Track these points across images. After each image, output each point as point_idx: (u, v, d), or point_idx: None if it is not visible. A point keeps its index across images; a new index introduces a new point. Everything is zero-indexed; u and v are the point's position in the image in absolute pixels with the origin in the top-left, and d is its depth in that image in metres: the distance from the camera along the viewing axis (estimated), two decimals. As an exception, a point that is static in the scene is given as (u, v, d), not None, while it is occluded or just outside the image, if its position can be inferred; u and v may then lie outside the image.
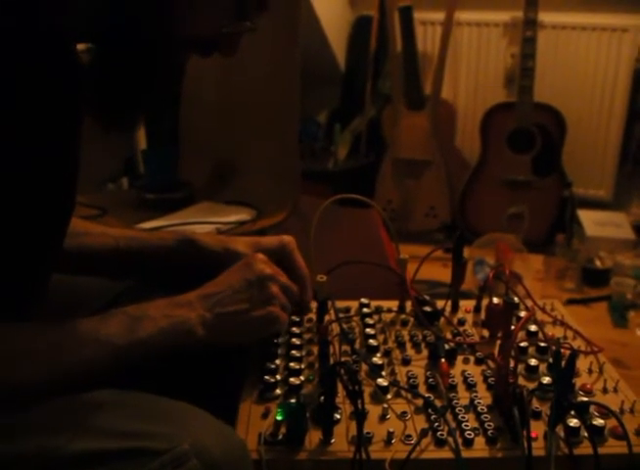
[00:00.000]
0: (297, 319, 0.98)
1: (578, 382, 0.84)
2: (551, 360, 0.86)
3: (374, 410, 0.77)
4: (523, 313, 0.99)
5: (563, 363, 0.72)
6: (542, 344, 0.90)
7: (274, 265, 0.90)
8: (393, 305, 1.03)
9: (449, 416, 0.76)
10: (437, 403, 0.78)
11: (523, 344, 0.90)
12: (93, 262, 0.97)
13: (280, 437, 0.72)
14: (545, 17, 2.78)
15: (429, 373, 0.85)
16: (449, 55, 2.95)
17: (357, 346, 0.92)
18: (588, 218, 2.76)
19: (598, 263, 2.51)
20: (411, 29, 2.85)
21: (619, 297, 2.30)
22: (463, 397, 0.80)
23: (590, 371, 0.87)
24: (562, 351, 0.79)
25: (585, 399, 0.80)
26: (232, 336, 0.83)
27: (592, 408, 0.77)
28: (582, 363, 0.88)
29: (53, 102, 0.67)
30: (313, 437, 0.72)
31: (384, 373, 0.84)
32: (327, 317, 0.96)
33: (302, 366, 0.85)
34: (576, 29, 2.86)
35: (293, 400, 0.76)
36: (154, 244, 1.00)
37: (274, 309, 0.84)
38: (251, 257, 0.89)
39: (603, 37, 2.82)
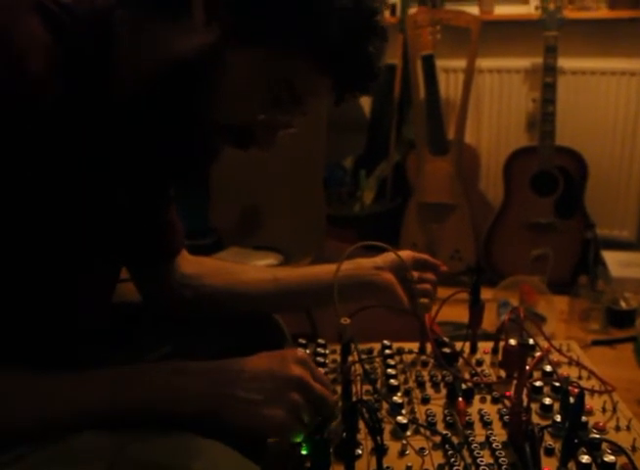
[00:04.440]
0: (322, 360, 1.02)
1: (592, 420, 0.87)
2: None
3: (394, 446, 0.81)
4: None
5: (572, 401, 0.76)
6: (556, 383, 0.94)
7: (313, 368, 0.83)
8: (414, 346, 1.07)
9: (465, 452, 0.80)
10: (455, 440, 0.82)
11: (538, 383, 0.94)
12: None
13: (305, 471, 0.76)
14: (565, 62, 2.84)
15: (446, 411, 0.89)
16: (471, 101, 3.02)
17: (379, 385, 0.96)
18: (613, 259, 2.77)
19: (623, 304, 2.51)
20: (434, 77, 2.93)
21: (645, 338, 2.29)
22: (479, 434, 0.84)
23: (604, 410, 0.90)
24: (572, 389, 0.83)
25: (597, 436, 0.83)
26: (229, 421, 0.75)
27: (604, 445, 0.80)
28: (596, 402, 0.92)
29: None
30: (336, 471, 0.77)
31: (404, 411, 0.88)
32: (350, 358, 1.01)
33: (327, 405, 0.89)
34: (596, 74, 2.91)
35: (317, 436, 0.80)
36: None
37: (285, 416, 0.76)
38: (290, 351, 0.84)
39: (622, 81, 2.88)
